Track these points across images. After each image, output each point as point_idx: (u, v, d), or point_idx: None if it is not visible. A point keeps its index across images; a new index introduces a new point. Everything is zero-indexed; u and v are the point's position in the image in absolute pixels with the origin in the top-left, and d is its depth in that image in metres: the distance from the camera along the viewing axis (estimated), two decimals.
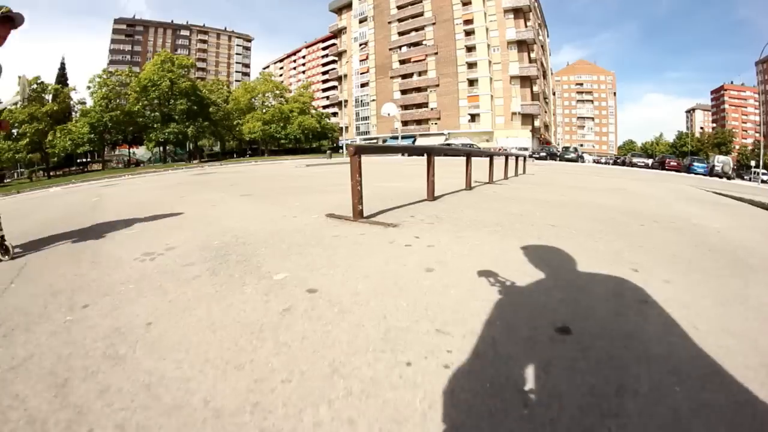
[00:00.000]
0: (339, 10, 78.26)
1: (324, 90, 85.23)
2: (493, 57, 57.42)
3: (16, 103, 10.20)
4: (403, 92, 64.67)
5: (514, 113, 53.76)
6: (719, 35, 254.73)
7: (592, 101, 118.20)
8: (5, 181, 39.50)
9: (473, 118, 57.38)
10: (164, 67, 42.34)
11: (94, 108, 39.82)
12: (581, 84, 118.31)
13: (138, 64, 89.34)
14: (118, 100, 42.12)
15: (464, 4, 60.06)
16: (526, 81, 55.29)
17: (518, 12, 57.12)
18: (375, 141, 64.52)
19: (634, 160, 36.52)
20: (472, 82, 58.07)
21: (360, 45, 72.35)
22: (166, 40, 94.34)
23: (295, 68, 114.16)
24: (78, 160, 49.64)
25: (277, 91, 57.87)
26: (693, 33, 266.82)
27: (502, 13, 57.53)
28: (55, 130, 38.17)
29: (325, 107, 78.16)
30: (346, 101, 74.65)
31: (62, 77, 63.63)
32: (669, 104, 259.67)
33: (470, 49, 58.63)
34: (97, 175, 28.10)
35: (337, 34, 78.60)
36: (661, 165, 31.89)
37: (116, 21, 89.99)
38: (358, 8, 73.86)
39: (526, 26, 56.60)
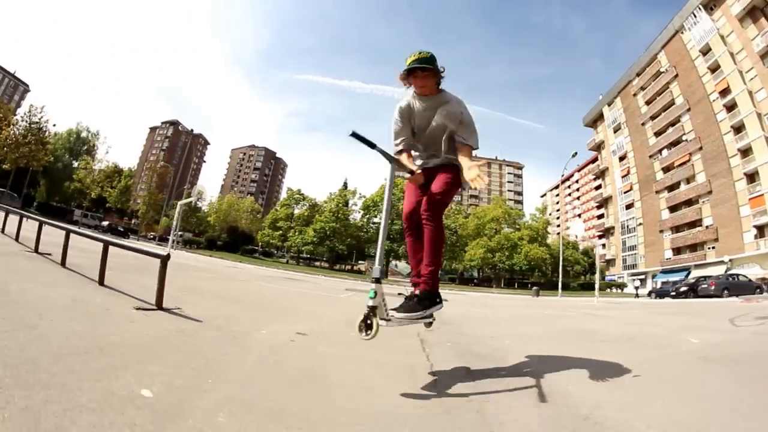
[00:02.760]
0: (593, 123, 72.33)
1: (598, 217, 75.13)
2: None
3: (189, 202, 27.90)
4: (672, 209, 51.24)
5: None
6: None
7: None
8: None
9: (761, 231, 38.71)
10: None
11: (322, 218, 51.40)
12: None
13: None
14: (345, 216, 52.98)
15: (713, 71, 45.96)
16: None
17: None
18: (643, 276, 51.99)
19: None
20: (752, 177, 40.63)
21: (619, 158, 63.27)
22: None
23: (569, 194, 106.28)
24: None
25: (510, 217, 57.18)
26: None
27: (759, 62, 40.33)
28: (295, 230, 52.62)
29: (600, 236, 69.06)
30: (612, 228, 63.98)
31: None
32: None
33: (738, 129, 42.57)
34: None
35: (597, 150, 71.28)
36: None
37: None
38: (609, 116, 66.91)
39: None
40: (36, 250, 5.93)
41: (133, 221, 62.64)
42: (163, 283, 3.45)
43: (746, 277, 26.07)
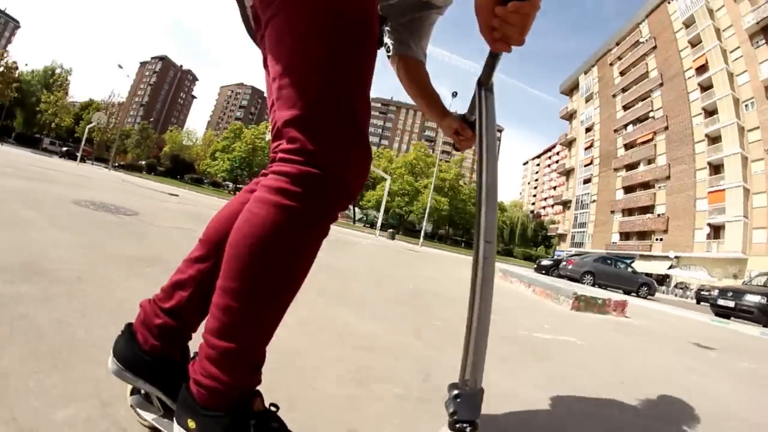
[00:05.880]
0: (570, 92, 68.39)
1: None
2: (746, 119, 36.27)
3: (93, 126, 40.07)
4: (627, 190, 48.89)
5: None
6: None
7: None
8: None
9: (716, 232, 36.51)
10: None
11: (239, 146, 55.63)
12: None
13: (388, 138, 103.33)
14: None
15: (693, 46, 42.08)
16: None
17: None
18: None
19: None
20: (716, 169, 37.99)
21: (586, 129, 60.11)
22: (415, 121, 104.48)
23: (549, 165, 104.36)
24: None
25: (423, 165, 56.38)
26: None
27: (747, 42, 36.57)
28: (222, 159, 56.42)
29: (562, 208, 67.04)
30: (569, 201, 61.71)
31: None
32: None
33: (711, 113, 39.33)
34: None
35: (569, 119, 67.89)
36: None
37: (373, 99, 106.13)
38: (583, 85, 62.97)
39: None
40: None
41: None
42: None
43: (625, 264, 21.08)
